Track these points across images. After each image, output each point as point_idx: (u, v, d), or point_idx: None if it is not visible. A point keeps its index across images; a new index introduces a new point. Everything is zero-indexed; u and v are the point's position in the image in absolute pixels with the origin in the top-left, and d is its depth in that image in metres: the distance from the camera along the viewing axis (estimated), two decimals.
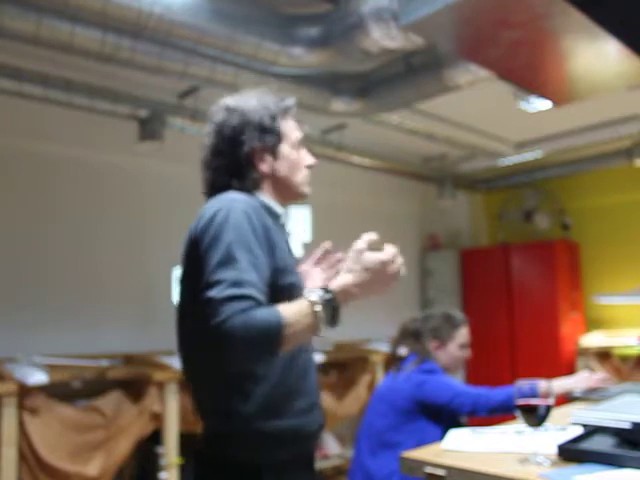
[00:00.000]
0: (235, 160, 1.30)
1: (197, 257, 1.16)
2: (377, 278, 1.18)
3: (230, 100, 1.36)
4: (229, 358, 1.09)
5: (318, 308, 1.10)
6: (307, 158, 1.40)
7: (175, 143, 3.28)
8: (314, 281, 1.46)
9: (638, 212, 4.51)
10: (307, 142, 1.42)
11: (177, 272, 1.30)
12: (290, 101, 1.38)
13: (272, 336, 1.06)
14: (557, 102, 2.00)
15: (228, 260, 1.10)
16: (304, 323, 1.09)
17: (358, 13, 2.25)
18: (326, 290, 1.12)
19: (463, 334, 2.32)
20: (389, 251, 1.20)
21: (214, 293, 1.07)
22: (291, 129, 1.37)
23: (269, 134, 1.31)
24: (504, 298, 4.85)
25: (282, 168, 1.33)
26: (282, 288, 1.19)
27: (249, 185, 1.30)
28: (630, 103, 3.56)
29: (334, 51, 2.46)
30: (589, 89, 1.88)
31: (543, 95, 1.99)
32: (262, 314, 1.06)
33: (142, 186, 3.59)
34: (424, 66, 2.89)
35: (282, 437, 1.21)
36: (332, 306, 1.11)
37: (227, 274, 1.09)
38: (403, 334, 2.36)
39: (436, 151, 4.54)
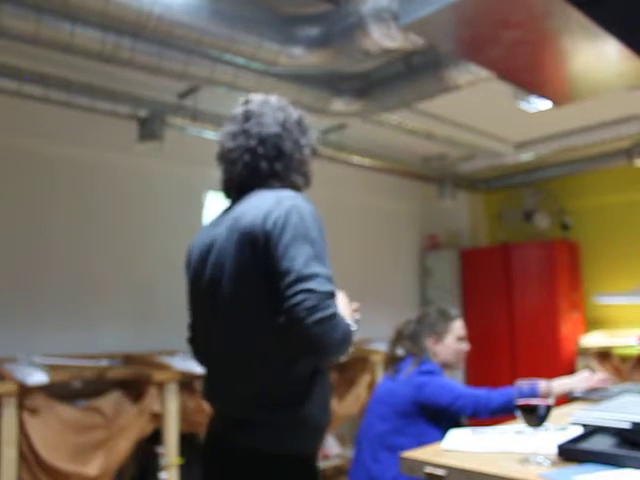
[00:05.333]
0: (297, 157, 1.38)
1: (264, 250, 1.19)
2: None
3: (274, 99, 1.42)
4: (324, 349, 1.13)
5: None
6: None
7: (175, 143, 3.28)
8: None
9: (638, 212, 4.51)
10: None
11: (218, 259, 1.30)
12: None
13: (351, 338, 1.19)
14: (557, 102, 2.00)
15: (318, 256, 1.17)
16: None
17: (358, 13, 2.25)
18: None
19: (459, 327, 2.33)
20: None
21: (314, 285, 1.12)
22: None
23: (309, 142, 1.43)
24: (504, 298, 4.85)
25: (310, 174, 1.44)
26: None
27: (303, 184, 1.40)
28: (630, 103, 3.56)
29: (334, 51, 2.46)
30: (589, 89, 1.88)
31: (543, 95, 1.99)
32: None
33: (142, 186, 3.59)
34: (424, 66, 2.88)
35: (322, 430, 1.29)
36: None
37: (321, 269, 1.15)
38: (399, 336, 2.36)
39: (436, 151, 4.54)
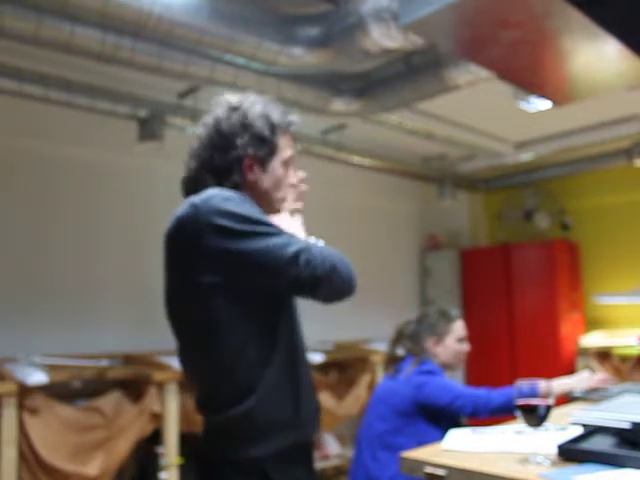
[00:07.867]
0: (224, 159, 1.28)
1: (209, 243, 1.16)
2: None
3: (234, 98, 1.35)
4: (349, 287, 1.21)
5: None
6: (293, 177, 1.37)
7: (175, 143, 3.27)
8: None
9: (638, 212, 4.51)
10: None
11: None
12: (294, 117, 1.37)
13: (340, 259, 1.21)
14: (557, 102, 2.00)
15: (270, 225, 1.17)
16: None
17: (358, 13, 2.25)
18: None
19: (459, 327, 2.33)
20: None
21: (294, 248, 1.12)
22: (286, 146, 1.35)
23: (265, 146, 1.30)
24: (504, 298, 4.85)
25: (266, 182, 1.31)
26: None
27: (228, 187, 1.27)
28: (630, 103, 3.56)
29: (334, 51, 2.46)
30: (589, 89, 1.88)
31: (543, 95, 1.99)
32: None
33: (142, 186, 3.59)
34: (424, 66, 2.89)
35: (279, 428, 1.21)
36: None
37: (285, 236, 1.15)
38: (399, 336, 2.36)
39: (436, 151, 4.54)
